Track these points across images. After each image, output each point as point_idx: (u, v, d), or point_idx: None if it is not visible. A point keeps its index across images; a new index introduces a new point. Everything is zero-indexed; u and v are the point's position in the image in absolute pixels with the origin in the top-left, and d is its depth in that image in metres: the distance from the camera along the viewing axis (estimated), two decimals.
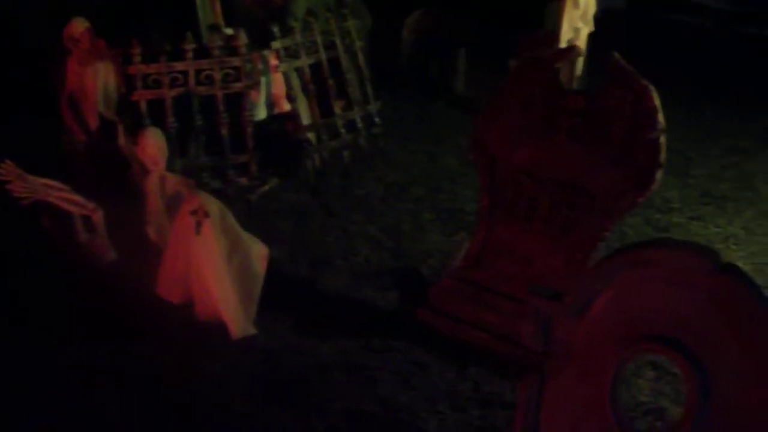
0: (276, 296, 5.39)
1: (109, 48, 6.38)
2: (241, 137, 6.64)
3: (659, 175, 4.81)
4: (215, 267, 5.16)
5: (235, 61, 6.47)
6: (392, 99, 7.80)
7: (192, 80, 6.45)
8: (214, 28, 6.95)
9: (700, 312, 3.13)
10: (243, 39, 6.46)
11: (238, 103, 6.69)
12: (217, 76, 6.47)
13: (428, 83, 8.80)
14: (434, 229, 6.50)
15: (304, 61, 6.99)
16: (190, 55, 6.41)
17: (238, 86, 6.53)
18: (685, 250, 3.14)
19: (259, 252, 5.35)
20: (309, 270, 5.96)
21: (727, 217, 6.71)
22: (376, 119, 7.50)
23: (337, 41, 7.19)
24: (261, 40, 6.87)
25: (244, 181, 6.72)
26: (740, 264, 6.03)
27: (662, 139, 4.80)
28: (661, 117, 4.78)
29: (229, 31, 7.04)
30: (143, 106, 6.49)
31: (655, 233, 6.35)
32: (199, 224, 5.08)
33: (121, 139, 6.29)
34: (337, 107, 7.21)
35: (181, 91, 6.47)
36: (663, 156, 4.79)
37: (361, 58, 7.35)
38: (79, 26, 6.28)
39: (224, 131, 6.57)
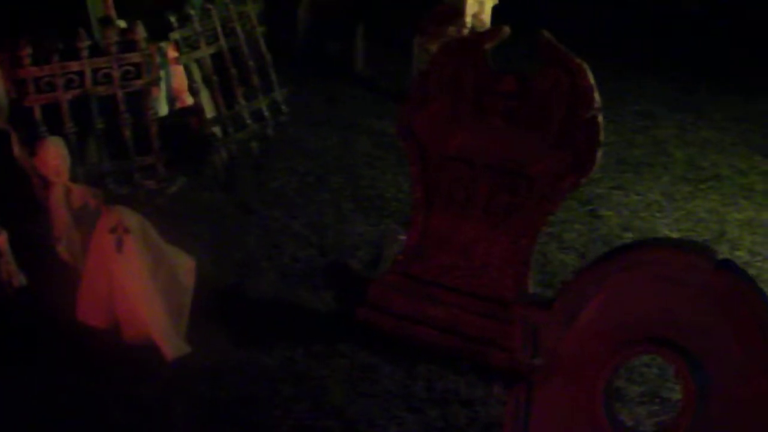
0: (204, 307, 5.02)
1: None
2: (144, 137, 6.15)
3: (599, 154, 4.68)
4: (141, 285, 4.76)
5: (135, 57, 5.97)
6: (292, 83, 7.42)
7: (89, 80, 5.92)
8: (107, 21, 6.40)
9: (696, 310, 3.00)
10: (141, 32, 5.96)
11: (138, 101, 6.20)
12: (116, 74, 5.96)
13: (327, 64, 8.45)
14: (357, 219, 6.23)
15: (205, 51, 6.55)
16: (85, 53, 5.87)
17: (138, 83, 6.04)
18: (680, 249, 2.99)
19: (185, 264, 4.97)
20: (234, 275, 5.61)
21: (646, 184, 6.71)
22: (283, 107, 7.13)
23: (238, 28, 6.75)
24: (155, 32, 6.38)
25: (151, 184, 6.27)
26: (667, 231, 6.06)
27: (600, 118, 4.67)
28: (597, 95, 4.64)
29: (121, 23, 6.50)
30: (38, 112, 5.91)
31: (581, 207, 6.28)
32: (119, 241, 4.65)
33: (16, 150, 5.73)
34: (241, 97, 6.78)
35: (78, 93, 5.92)
36: (602, 135, 4.66)
37: (262, 43, 6.94)
38: None
39: (127, 133, 6.08)
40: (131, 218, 4.70)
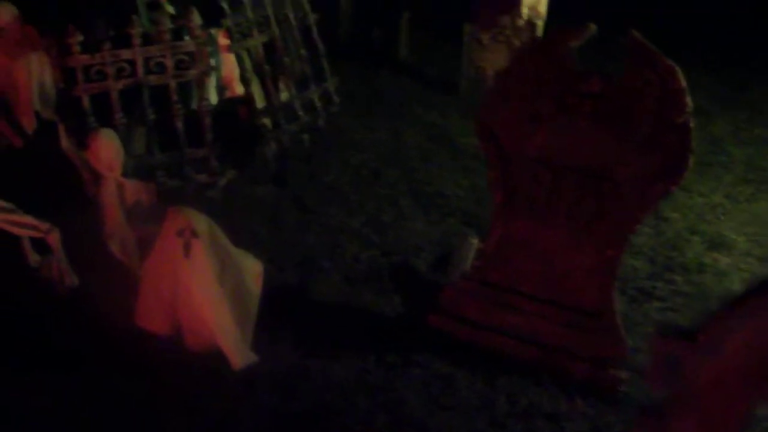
0: (268, 312, 4.68)
1: (41, 37, 5.40)
2: (195, 129, 5.80)
3: (691, 160, 4.35)
4: (208, 292, 4.42)
5: (189, 46, 5.60)
6: (336, 71, 7.06)
7: (141, 69, 5.55)
8: (155, 5, 6.01)
9: None
10: (196, 20, 5.59)
11: (189, 91, 5.85)
12: (170, 63, 5.59)
13: (370, 50, 8.07)
14: (417, 216, 5.90)
15: (257, 40, 6.18)
16: (137, 41, 5.50)
17: (192, 73, 5.68)
18: None
19: (253, 269, 4.66)
20: (296, 276, 5.29)
21: (708, 185, 6.40)
22: (335, 97, 6.77)
23: (290, 15, 6.39)
24: (205, 17, 6.00)
25: (203, 177, 5.92)
26: (734, 236, 5.74)
27: (692, 122, 4.34)
28: (689, 99, 4.31)
29: (169, 8, 6.12)
30: (86, 101, 5.56)
31: None
32: (187, 246, 4.31)
33: (64, 142, 5.38)
34: (292, 87, 6.43)
35: (129, 83, 5.56)
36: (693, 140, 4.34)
37: (315, 31, 6.57)
38: (5, 13, 5.30)
39: (179, 124, 5.72)
40: (199, 220, 4.36)
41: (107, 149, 5.03)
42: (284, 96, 6.44)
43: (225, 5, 5.93)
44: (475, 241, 5.31)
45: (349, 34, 7.93)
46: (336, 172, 6.35)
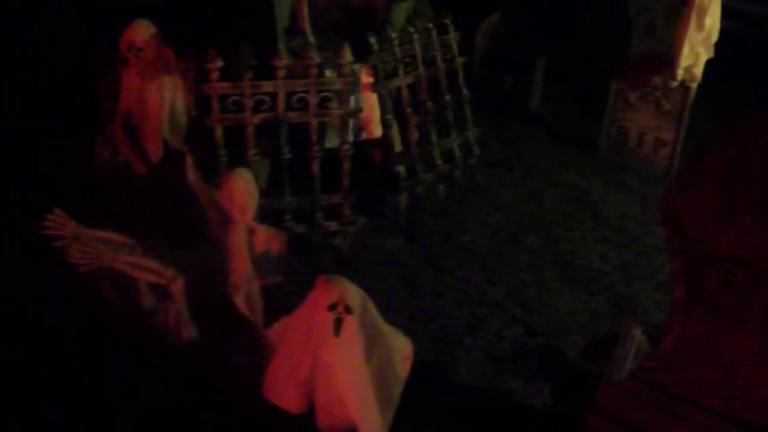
0: (406, 390, 3.96)
1: (178, 60, 4.76)
2: (329, 172, 5.12)
3: None
4: (354, 372, 3.71)
5: (337, 84, 4.92)
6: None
7: (282, 104, 4.89)
8: (297, 34, 5.33)
9: None
10: (347, 56, 4.92)
11: (324, 130, 5.18)
12: (313, 100, 4.92)
13: (501, 97, 7.34)
14: (563, 292, 5.15)
15: (403, 80, 5.50)
16: (281, 73, 4.84)
17: (336, 113, 5.00)
18: None
19: (402, 349, 3.95)
20: (434, 349, 4.57)
21: None
22: (475, 148, 6.05)
23: (438, 56, 5.68)
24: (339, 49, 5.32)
25: (333, 225, 5.23)
26: None
27: None
28: None
29: (311, 38, 5.45)
30: (219, 133, 4.91)
31: None
32: (339, 322, 3.59)
33: (191, 175, 4.73)
34: (434, 134, 5.72)
35: (267, 117, 4.90)
36: None
37: (461, 76, 5.86)
38: (143, 31, 4.67)
39: (316, 167, 5.04)
40: (353, 294, 3.66)
41: (243, 191, 4.38)
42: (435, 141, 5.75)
43: (373, 41, 5.25)
44: (638, 333, 4.53)
45: (480, 79, 7.18)
46: (473, 231, 5.63)
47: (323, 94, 4.93)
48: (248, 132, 4.92)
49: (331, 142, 5.33)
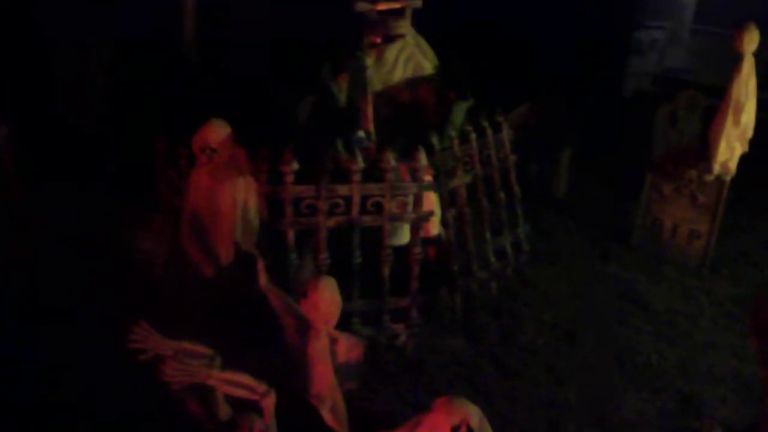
0: None
1: (250, 161, 4.61)
2: (399, 276, 4.98)
3: None
4: None
5: (413, 188, 4.80)
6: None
7: (356, 208, 4.75)
8: (365, 135, 5.23)
9: None
10: (423, 160, 4.81)
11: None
12: (388, 204, 4.79)
13: (526, 185, 7.28)
14: (629, 391, 5.07)
15: (462, 180, 5.41)
16: (357, 177, 4.71)
17: (410, 217, 4.87)
18: None
19: None
20: None
21: None
22: (525, 245, 5.96)
23: (492, 155, 5.62)
24: (395, 146, 5.23)
25: (399, 328, 5.06)
26: None
27: None
28: None
29: (360, 134, 5.36)
30: (291, 237, 4.74)
31: None
32: None
33: (263, 280, 4.54)
34: (488, 232, 5.62)
35: (341, 221, 4.75)
36: None
37: (513, 174, 5.80)
38: (219, 132, 4.53)
39: (386, 270, 4.89)
40: (474, 414, 3.49)
41: (328, 301, 4.23)
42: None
43: (435, 141, 5.17)
44: None
45: None
46: (530, 330, 5.51)
47: (398, 198, 4.81)
48: (321, 236, 4.75)
49: (395, 240, 5.20)
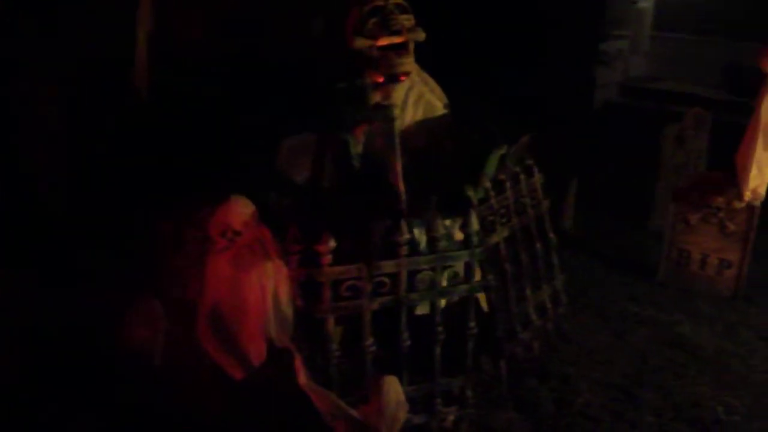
0: None
1: (277, 242, 3.86)
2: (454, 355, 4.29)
3: None
4: None
5: (463, 256, 4.12)
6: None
7: (403, 285, 4.03)
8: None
9: None
10: (475, 224, 4.13)
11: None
12: (439, 277, 4.08)
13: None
14: None
15: (501, 234, 4.74)
16: (404, 250, 3.99)
17: (462, 289, 4.18)
18: None
19: None
20: None
21: None
22: (563, 297, 5.33)
23: (527, 203, 4.98)
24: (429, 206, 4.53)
25: (453, 410, 4.37)
26: None
27: None
28: None
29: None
30: (331, 325, 3.99)
31: None
32: None
33: (302, 378, 3.80)
34: (528, 288, 4.97)
35: (387, 301, 4.02)
36: None
37: (547, 221, 5.17)
38: (241, 212, 3.78)
39: (438, 350, 4.19)
40: None
41: (395, 403, 3.52)
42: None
43: (472, 194, 4.48)
44: None
45: None
46: (583, 392, 4.89)
47: (449, 270, 4.11)
48: (365, 321, 4.01)
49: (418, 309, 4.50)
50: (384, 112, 4.47)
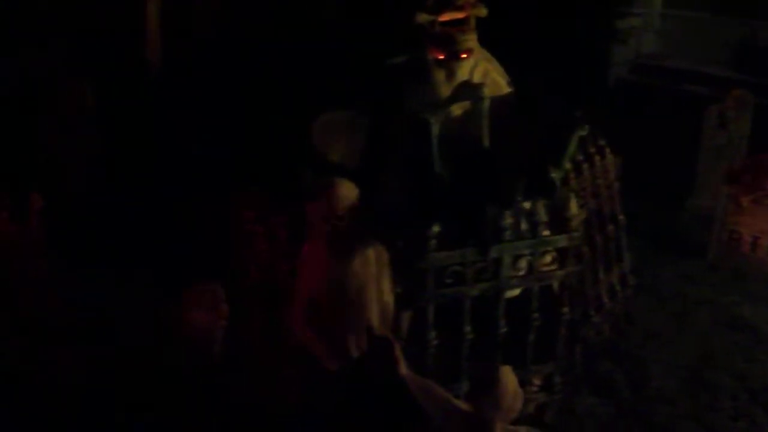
0: None
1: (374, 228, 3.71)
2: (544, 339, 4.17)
3: None
4: None
5: (562, 241, 3.99)
6: None
7: (505, 270, 3.89)
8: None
9: None
10: (574, 208, 4.00)
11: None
12: (539, 262, 3.96)
13: None
14: None
15: (580, 216, 4.60)
16: (508, 234, 3.85)
17: (559, 274, 4.06)
18: None
19: None
20: None
21: None
22: (630, 278, 5.24)
23: (601, 184, 4.86)
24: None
25: (541, 397, 4.25)
26: None
27: None
28: None
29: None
30: (431, 313, 3.85)
31: None
32: None
33: (403, 368, 3.65)
34: (601, 271, 4.87)
35: (486, 288, 3.89)
36: None
37: (618, 202, 5.06)
38: (349, 195, 3.62)
39: (533, 337, 4.07)
40: None
41: (513, 394, 3.37)
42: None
43: (556, 175, 4.34)
44: None
45: None
46: (656, 374, 4.86)
47: (548, 254, 3.99)
48: (465, 307, 3.87)
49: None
50: (474, 91, 4.30)
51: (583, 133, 4.63)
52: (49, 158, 6.05)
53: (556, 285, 4.48)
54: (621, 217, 5.11)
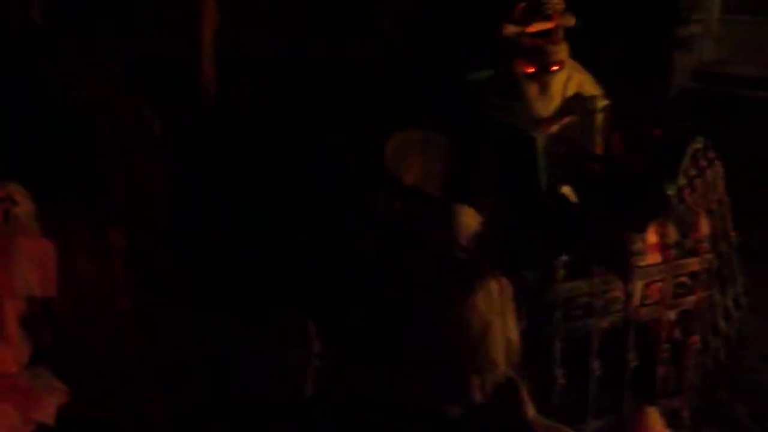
0: None
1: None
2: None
3: None
4: None
5: (693, 264, 3.68)
6: None
7: (637, 299, 3.59)
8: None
9: None
10: (707, 227, 3.69)
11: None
12: (669, 287, 3.65)
13: None
14: None
15: None
16: (639, 260, 3.55)
17: (691, 300, 3.74)
18: None
19: None
20: None
21: None
22: (742, 299, 4.89)
23: (713, 199, 4.54)
24: None
25: None
26: None
27: None
28: None
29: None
30: (558, 348, 3.54)
31: None
32: None
33: (530, 411, 3.36)
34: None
35: (615, 319, 3.58)
36: None
37: (728, 217, 4.73)
38: (469, 223, 3.41)
39: (662, 370, 3.75)
40: None
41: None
42: None
43: (672, 191, 4.01)
44: None
45: None
46: None
47: (679, 279, 3.67)
48: (594, 341, 3.57)
49: None
50: (585, 104, 4.02)
51: (699, 146, 4.34)
52: (123, 192, 5.84)
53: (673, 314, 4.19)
54: (733, 234, 4.79)
